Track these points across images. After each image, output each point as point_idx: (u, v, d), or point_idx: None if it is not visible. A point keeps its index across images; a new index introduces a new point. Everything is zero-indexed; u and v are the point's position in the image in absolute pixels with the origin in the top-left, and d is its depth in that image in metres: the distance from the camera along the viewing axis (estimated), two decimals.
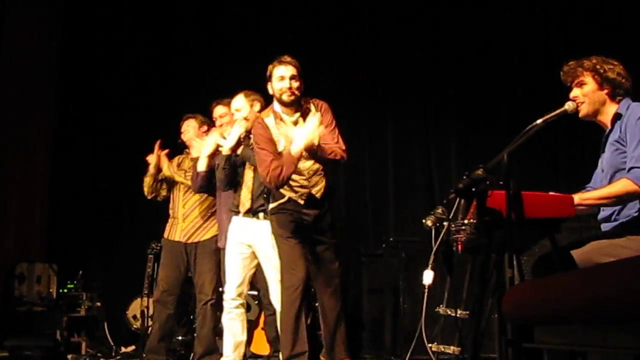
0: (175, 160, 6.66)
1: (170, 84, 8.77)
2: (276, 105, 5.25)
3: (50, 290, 8.00)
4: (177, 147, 6.71)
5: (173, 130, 6.71)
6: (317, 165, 5.22)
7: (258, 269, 5.73)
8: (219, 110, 6.28)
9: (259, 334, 6.54)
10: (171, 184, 6.59)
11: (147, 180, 6.61)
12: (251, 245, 5.62)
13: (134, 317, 8.05)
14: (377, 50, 8.48)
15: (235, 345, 5.63)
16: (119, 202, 8.61)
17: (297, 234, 5.17)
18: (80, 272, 8.17)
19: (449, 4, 8.44)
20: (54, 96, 8.90)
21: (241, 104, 5.73)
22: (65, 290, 8.11)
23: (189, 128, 6.60)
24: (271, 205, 5.27)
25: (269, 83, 5.23)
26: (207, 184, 6.01)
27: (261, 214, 5.55)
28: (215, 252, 6.24)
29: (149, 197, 6.66)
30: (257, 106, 5.71)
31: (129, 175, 6.97)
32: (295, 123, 5.18)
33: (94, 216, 8.87)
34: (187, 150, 6.63)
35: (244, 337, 5.72)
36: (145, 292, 7.53)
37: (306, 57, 5.45)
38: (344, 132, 5.39)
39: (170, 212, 6.53)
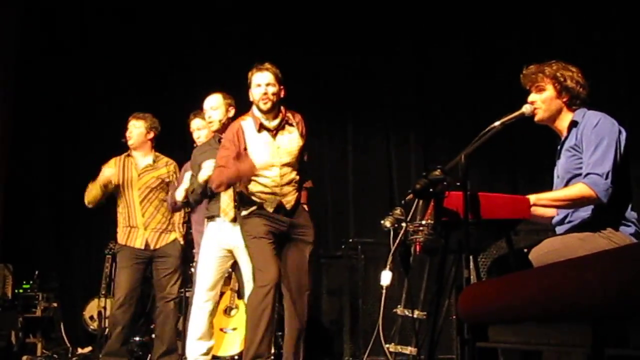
0: (114, 162, 6.47)
1: (127, 83, 8.70)
2: (255, 111, 5.27)
3: (6, 290, 7.90)
4: (120, 147, 6.53)
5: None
6: (291, 176, 5.26)
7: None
8: (195, 123, 6.25)
9: (218, 335, 6.51)
10: (116, 191, 6.45)
11: (95, 193, 6.39)
12: (232, 249, 5.62)
13: (91, 317, 7.98)
14: (338, 49, 8.49)
15: (208, 349, 5.68)
16: (76, 202, 8.52)
17: (269, 236, 5.19)
18: (37, 272, 8.09)
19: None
20: (12, 96, 8.78)
21: (217, 103, 5.72)
22: (21, 291, 8.01)
23: (135, 129, 6.43)
24: (243, 212, 5.28)
25: (250, 90, 5.27)
26: (181, 208, 6.16)
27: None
28: (181, 252, 6.26)
29: (90, 206, 6.51)
30: (232, 112, 5.72)
31: (85, 176, 6.91)
32: (276, 132, 5.24)
33: (50, 216, 8.80)
34: (129, 152, 6.47)
35: (212, 343, 5.74)
36: (103, 292, 7.49)
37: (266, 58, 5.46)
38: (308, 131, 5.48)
39: (124, 219, 6.39)
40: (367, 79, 8.43)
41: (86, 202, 6.47)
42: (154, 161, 6.45)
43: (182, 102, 7.11)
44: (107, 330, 6.78)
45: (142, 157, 6.45)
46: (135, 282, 6.23)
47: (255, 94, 5.22)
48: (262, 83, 5.19)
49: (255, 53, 5.43)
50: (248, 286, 5.55)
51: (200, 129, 6.21)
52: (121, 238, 6.37)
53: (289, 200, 5.26)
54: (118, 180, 6.38)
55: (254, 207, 5.23)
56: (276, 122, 5.25)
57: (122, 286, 6.22)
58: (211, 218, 5.70)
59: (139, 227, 6.31)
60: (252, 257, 5.23)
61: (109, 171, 6.32)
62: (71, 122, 8.77)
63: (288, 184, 5.26)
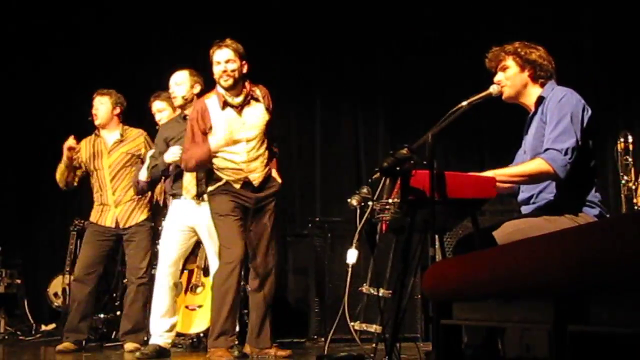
0: (84, 143, 6.44)
1: (89, 58, 8.60)
2: (219, 88, 5.30)
3: None
4: (88, 127, 6.49)
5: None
6: (259, 152, 5.28)
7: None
8: (156, 105, 6.24)
9: (184, 312, 6.51)
10: (89, 169, 6.43)
11: (61, 171, 6.42)
12: (194, 227, 5.65)
13: (55, 294, 7.95)
14: (306, 23, 8.46)
15: (171, 326, 5.70)
16: (39, 177, 8.44)
17: (235, 213, 5.23)
18: (0, 248, 8.03)
19: None
20: None
21: (183, 79, 5.71)
22: None
23: (100, 106, 6.38)
24: (210, 188, 5.32)
25: (213, 67, 5.28)
26: (147, 189, 6.15)
27: (205, 196, 5.55)
28: (151, 230, 6.27)
29: (64, 189, 6.51)
30: (197, 88, 5.71)
31: (49, 150, 6.85)
32: (241, 108, 5.26)
33: (13, 192, 8.72)
34: (97, 131, 6.44)
35: (176, 320, 5.76)
36: (67, 269, 7.46)
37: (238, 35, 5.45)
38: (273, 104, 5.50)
39: (96, 197, 6.38)
40: (336, 52, 8.42)
41: (58, 183, 6.47)
42: (122, 135, 6.40)
43: (149, 84, 7.00)
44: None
45: (110, 134, 6.41)
46: (96, 259, 6.20)
47: (215, 71, 5.24)
48: (222, 60, 5.21)
49: (224, 32, 5.38)
50: (212, 264, 5.58)
51: (161, 111, 6.22)
52: (93, 216, 6.36)
53: (257, 177, 5.29)
54: (88, 160, 6.37)
55: (220, 183, 5.25)
56: (240, 98, 5.27)
57: (80, 261, 6.25)
58: (175, 196, 5.73)
59: (110, 205, 6.29)
60: (219, 235, 5.29)
61: (70, 142, 6.28)
62: (36, 99, 8.64)
63: (255, 159, 5.29)
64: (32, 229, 8.72)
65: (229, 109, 5.24)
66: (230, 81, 5.19)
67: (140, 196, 6.26)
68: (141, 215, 6.31)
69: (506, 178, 3.73)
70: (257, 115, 5.31)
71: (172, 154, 5.55)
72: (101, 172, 6.34)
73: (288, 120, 8.36)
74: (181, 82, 5.70)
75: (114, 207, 6.28)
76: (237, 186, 5.24)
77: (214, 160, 5.27)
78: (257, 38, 7.56)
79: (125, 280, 6.60)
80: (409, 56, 8.28)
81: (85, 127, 6.49)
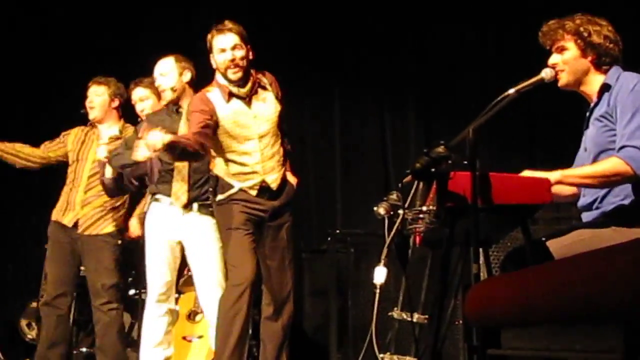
0: (74, 133, 6.49)
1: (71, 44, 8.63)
2: (220, 78, 5.26)
3: None
4: (78, 118, 6.52)
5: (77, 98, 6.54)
6: (273, 149, 5.28)
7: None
8: (137, 93, 6.22)
9: (181, 344, 6.52)
10: (70, 159, 6.44)
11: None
12: (181, 242, 5.63)
13: (29, 325, 7.96)
14: (325, 13, 8.45)
15: (165, 359, 5.69)
16: (13, 189, 8.46)
17: (247, 226, 5.20)
18: None
19: None
20: None
21: (168, 68, 5.66)
22: None
23: (96, 98, 6.38)
24: (219, 197, 5.29)
25: (211, 55, 5.25)
26: (116, 189, 6.10)
27: (195, 205, 5.55)
28: (116, 247, 6.24)
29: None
30: (187, 75, 5.67)
31: None
32: (249, 99, 5.23)
33: None
34: (90, 123, 6.45)
35: (171, 352, 5.75)
36: (43, 294, 7.46)
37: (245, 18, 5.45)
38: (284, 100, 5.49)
39: (64, 191, 6.38)
40: (358, 39, 8.39)
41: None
42: (121, 132, 6.37)
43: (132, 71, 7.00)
44: None
45: (107, 129, 6.39)
46: (66, 277, 6.20)
47: (220, 61, 5.20)
48: (227, 47, 5.16)
49: (222, 12, 5.38)
50: (202, 290, 5.54)
51: (143, 100, 6.19)
52: (56, 213, 6.34)
53: (275, 179, 5.29)
54: (73, 148, 6.40)
55: (232, 192, 5.22)
56: (247, 87, 5.24)
57: (47, 282, 6.24)
58: (156, 198, 5.69)
59: (77, 204, 6.26)
60: (226, 252, 5.28)
61: None
62: (14, 93, 8.66)
63: (270, 157, 5.28)
64: (0, 249, 8.74)
65: (235, 100, 5.21)
66: (240, 73, 5.17)
67: (112, 199, 6.24)
68: (105, 228, 6.24)
69: (575, 180, 3.71)
70: (267, 106, 5.29)
71: (144, 150, 5.42)
72: (82, 164, 6.34)
73: (301, 115, 8.35)
74: (167, 72, 5.64)
75: (79, 208, 6.24)
76: (254, 193, 5.22)
77: (223, 165, 5.26)
78: (259, 13, 7.56)
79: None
80: (444, 37, 8.24)
81: (73, 124, 6.56)
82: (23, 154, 6.44)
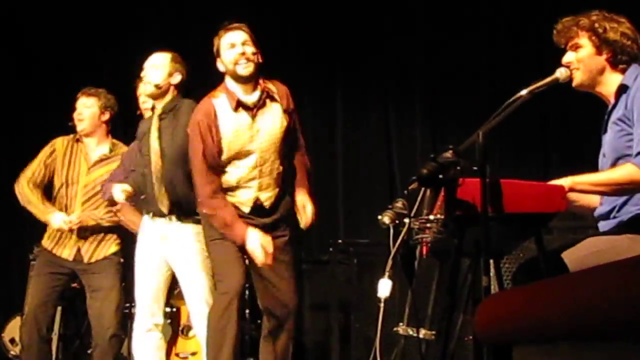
0: (60, 143, 6.36)
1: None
2: (230, 84, 5.21)
3: None
4: (69, 131, 6.43)
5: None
6: (272, 166, 5.24)
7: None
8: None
9: None
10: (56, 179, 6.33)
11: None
12: (165, 256, 5.58)
13: (12, 341, 7.97)
14: (327, 12, 8.45)
15: None
16: None
17: None
18: None
19: None
20: None
21: (162, 62, 5.61)
22: None
23: (85, 110, 6.30)
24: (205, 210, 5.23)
25: (218, 59, 5.22)
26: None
27: (174, 216, 5.52)
28: (119, 267, 6.21)
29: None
30: (177, 77, 5.63)
31: (3, 169, 6.85)
32: (256, 111, 5.18)
33: None
34: (78, 136, 6.33)
35: None
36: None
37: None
38: None
39: None
40: (361, 40, 8.39)
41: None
42: (111, 150, 6.33)
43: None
44: None
45: (95, 146, 6.33)
46: (47, 297, 6.12)
47: (229, 57, 5.15)
48: (237, 42, 5.15)
49: (224, 12, 5.38)
50: (193, 307, 5.52)
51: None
52: (47, 241, 6.25)
53: (269, 197, 5.25)
54: (62, 171, 6.26)
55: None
56: (256, 95, 5.20)
57: (28, 299, 6.18)
58: (145, 210, 5.66)
59: (72, 235, 6.16)
60: (213, 265, 5.27)
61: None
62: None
63: (268, 174, 5.24)
64: None
65: (241, 111, 5.17)
66: (251, 67, 5.14)
67: (108, 214, 6.20)
68: (110, 248, 6.21)
69: (587, 187, 3.70)
70: (273, 119, 5.23)
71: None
72: (72, 189, 6.24)
73: (302, 118, 8.33)
74: (159, 66, 5.58)
75: (77, 237, 6.16)
76: (246, 210, 5.20)
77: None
78: (260, 14, 7.57)
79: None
80: (452, 36, 8.24)
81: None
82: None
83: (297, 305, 5.44)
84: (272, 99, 5.27)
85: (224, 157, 5.15)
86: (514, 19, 8.05)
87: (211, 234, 5.20)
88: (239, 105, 5.15)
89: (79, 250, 6.17)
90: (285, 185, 5.38)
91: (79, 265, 6.16)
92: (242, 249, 5.14)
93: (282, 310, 5.31)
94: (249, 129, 5.16)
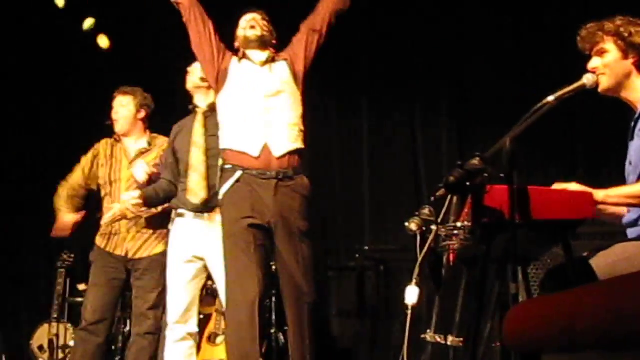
0: (103, 147, 6.40)
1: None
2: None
3: None
4: (105, 130, 6.43)
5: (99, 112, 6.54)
6: (282, 113, 5.16)
7: None
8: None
9: None
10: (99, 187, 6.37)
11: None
12: (204, 258, 5.56)
13: (40, 348, 7.98)
14: (351, 16, 8.43)
15: None
16: (18, 206, 8.50)
17: (247, 235, 4.97)
18: None
19: None
20: None
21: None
22: None
23: (121, 109, 6.30)
24: (223, 190, 5.10)
25: (236, 42, 5.39)
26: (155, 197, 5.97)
27: (219, 210, 5.37)
28: (164, 268, 6.16)
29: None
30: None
31: (30, 175, 6.87)
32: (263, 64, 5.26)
33: None
34: (116, 136, 6.36)
35: None
36: (55, 316, 7.47)
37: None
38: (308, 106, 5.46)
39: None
40: (386, 47, 8.38)
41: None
42: (149, 144, 6.34)
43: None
44: None
45: (134, 143, 6.36)
46: (108, 304, 6.04)
47: (242, 25, 5.35)
48: (249, 18, 5.33)
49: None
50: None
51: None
52: (100, 240, 6.24)
53: (279, 146, 5.08)
54: (105, 173, 6.30)
55: (235, 177, 5.06)
56: (264, 56, 5.29)
57: (87, 307, 6.12)
58: (179, 213, 5.65)
59: (121, 231, 6.17)
60: (225, 263, 5.09)
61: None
62: (30, 104, 8.70)
63: (278, 122, 5.14)
64: (10, 267, 8.77)
65: (247, 61, 5.27)
66: (258, 30, 5.27)
67: (154, 215, 6.18)
68: (157, 247, 6.16)
69: (618, 200, 3.68)
70: (283, 68, 5.29)
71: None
72: (117, 185, 6.24)
73: (328, 124, 8.34)
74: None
75: (126, 233, 6.16)
76: (255, 154, 5.02)
77: (223, 133, 5.23)
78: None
79: (124, 327, 6.56)
80: (478, 43, 8.21)
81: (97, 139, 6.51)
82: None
83: (314, 294, 5.13)
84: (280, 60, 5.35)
85: (230, 108, 5.26)
86: (542, 24, 8.01)
87: (226, 223, 5.11)
88: (245, 57, 5.29)
89: (129, 247, 6.16)
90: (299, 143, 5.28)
91: (127, 263, 6.14)
92: (260, 246, 5.01)
93: (299, 295, 5.05)
94: (256, 73, 5.25)
